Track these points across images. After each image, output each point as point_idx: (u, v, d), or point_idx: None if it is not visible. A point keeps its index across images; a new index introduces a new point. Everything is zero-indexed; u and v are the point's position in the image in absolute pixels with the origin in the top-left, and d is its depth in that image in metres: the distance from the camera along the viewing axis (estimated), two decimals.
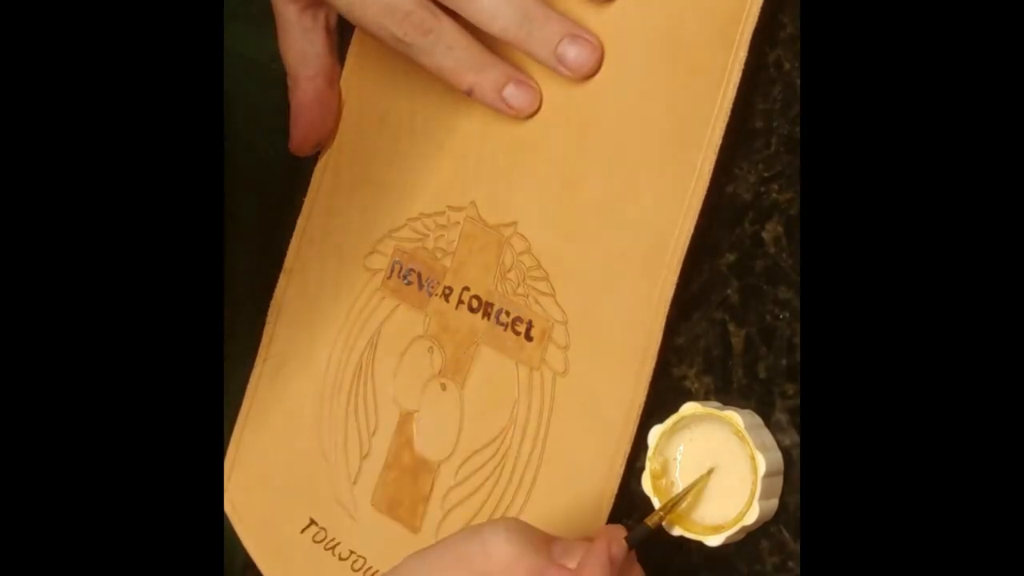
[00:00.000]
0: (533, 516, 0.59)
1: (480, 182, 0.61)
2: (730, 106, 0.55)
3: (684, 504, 0.54)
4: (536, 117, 0.60)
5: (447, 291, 0.62)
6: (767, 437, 0.55)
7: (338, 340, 0.65)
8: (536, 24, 0.57)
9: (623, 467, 0.57)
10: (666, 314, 0.56)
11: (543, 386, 0.59)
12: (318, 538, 0.65)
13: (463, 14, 0.57)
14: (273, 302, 0.67)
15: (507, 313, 0.60)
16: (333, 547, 0.65)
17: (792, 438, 0.55)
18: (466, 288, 0.62)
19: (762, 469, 0.53)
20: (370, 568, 0.63)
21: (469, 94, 0.59)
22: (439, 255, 0.62)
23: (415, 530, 0.62)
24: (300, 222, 0.67)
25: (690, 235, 0.56)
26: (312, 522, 0.65)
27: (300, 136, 0.65)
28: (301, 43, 0.64)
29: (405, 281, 0.63)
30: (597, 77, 0.58)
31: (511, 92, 0.59)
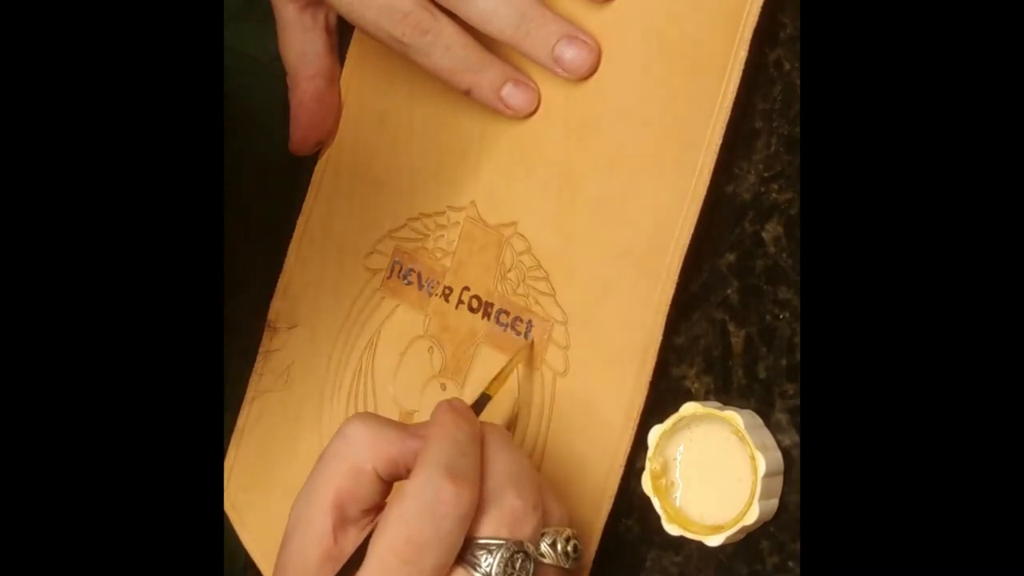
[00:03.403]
0: None
1: (480, 182, 0.61)
2: (730, 106, 0.55)
3: (682, 497, 0.54)
4: (536, 117, 0.60)
5: (447, 291, 0.62)
6: (767, 437, 0.55)
7: (338, 340, 0.65)
8: (533, 25, 0.57)
9: (623, 467, 0.57)
10: (666, 314, 0.56)
11: (543, 386, 0.59)
12: None
13: (460, 15, 0.57)
14: (273, 302, 0.67)
15: (507, 313, 0.60)
16: None
17: (792, 438, 0.55)
18: (466, 288, 0.62)
19: (762, 469, 0.52)
20: None
21: (467, 94, 0.59)
22: (439, 255, 0.62)
23: None
24: (300, 222, 0.67)
25: (690, 235, 0.56)
26: None
27: (300, 136, 0.65)
28: (301, 42, 0.64)
29: (405, 281, 0.63)
30: (597, 77, 0.58)
31: (509, 92, 0.59)
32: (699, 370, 0.57)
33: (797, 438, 0.55)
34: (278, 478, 0.66)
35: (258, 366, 0.67)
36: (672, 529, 0.54)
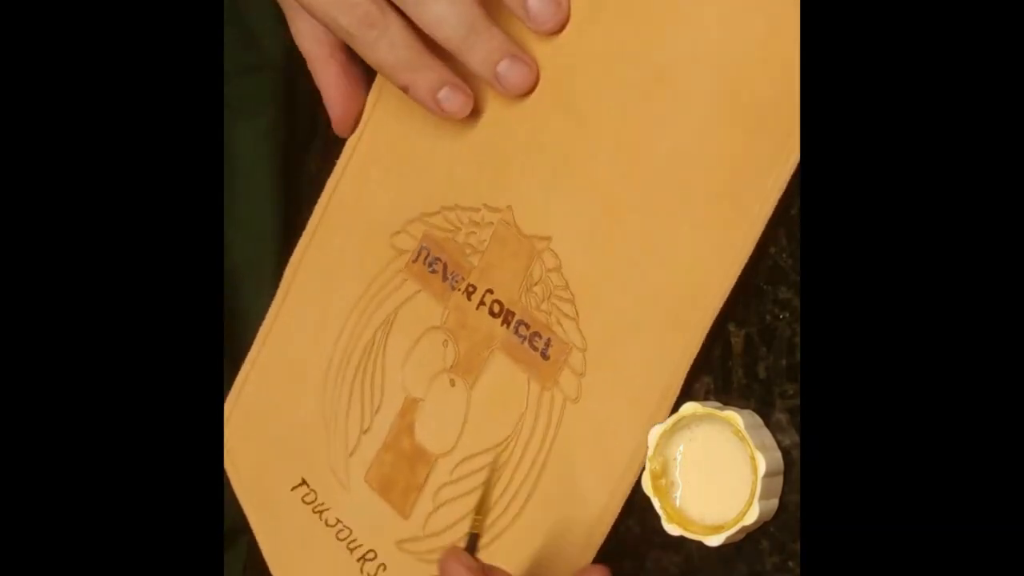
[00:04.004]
0: (521, 532, 0.59)
1: (521, 188, 0.60)
2: (786, 181, 0.53)
3: (682, 497, 0.54)
4: (587, 135, 0.58)
5: (470, 289, 0.61)
6: (767, 437, 0.55)
7: (353, 312, 0.64)
8: (481, 38, 0.58)
9: (622, 503, 0.56)
10: (686, 372, 0.55)
11: (552, 407, 0.58)
12: (308, 499, 0.65)
13: (411, 16, 0.58)
14: (292, 259, 0.67)
15: (527, 326, 0.59)
16: (321, 512, 0.65)
17: (792, 438, 0.55)
18: (490, 291, 0.61)
19: (762, 469, 0.52)
20: (355, 541, 0.63)
21: (405, 91, 0.60)
22: (468, 251, 0.61)
23: (404, 516, 0.62)
24: (329, 184, 0.66)
25: (724, 299, 0.54)
26: (304, 482, 0.65)
27: (340, 113, 0.65)
28: (312, 25, 0.64)
29: (430, 269, 0.63)
30: (661, 112, 0.56)
31: (445, 95, 0.59)
32: (699, 370, 0.57)
33: (797, 438, 0.55)
34: (276, 432, 0.66)
35: (269, 317, 0.67)
36: (672, 529, 0.54)
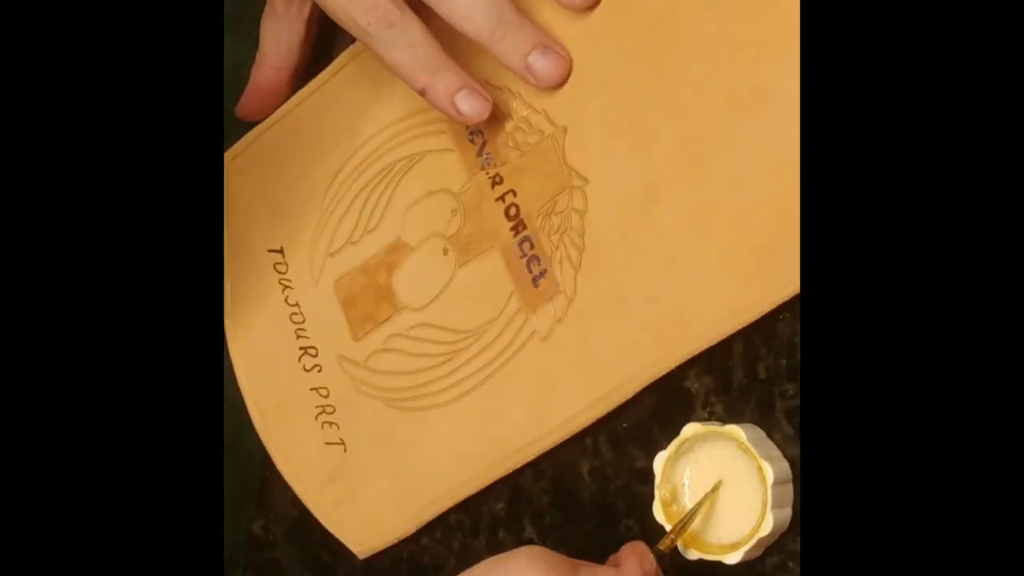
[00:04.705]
0: (441, 427, 0.60)
1: (585, 120, 0.58)
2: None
3: (695, 522, 0.53)
4: (668, 117, 0.56)
5: (497, 179, 0.60)
6: (772, 449, 0.54)
7: (388, 129, 0.63)
8: (510, 30, 0.57)
9: (546, 450, 0.57)
10: (650, 381, 0.55)
11: (520, 331, 0.58)
12: (279, 268, 0.66)
13: (438, 11, 0.57)
14: (353, 47, 0.65)
15: (531, 245, 0.58)
16: (285, 287, 0.65)
17: (791, 438, 0.55)
18: (513, 192, 0.59)
19: (770, 477, 0.52)
20: (304, 331, 0.64)
21: (422, 94, 0.58)
22: (510, 144, 0.60)
23: (355, 338, 0.63)
24: None
25: (719, 341, 0.54)
26: (281, 250, 0.66)
27: (245, 111, 0.67)
28: (278, 32, 0.64)
29: (470, 136, 0.61)
30: (745, 146, 0.54)
31: (462, 98, 0.58)
32: (699, 370, 0.56)
33: (796, 438, 0.55)
34: (275, 191, 0.66)
35: (313, 84, 0.66)
36: (690, 554, 0.53)
